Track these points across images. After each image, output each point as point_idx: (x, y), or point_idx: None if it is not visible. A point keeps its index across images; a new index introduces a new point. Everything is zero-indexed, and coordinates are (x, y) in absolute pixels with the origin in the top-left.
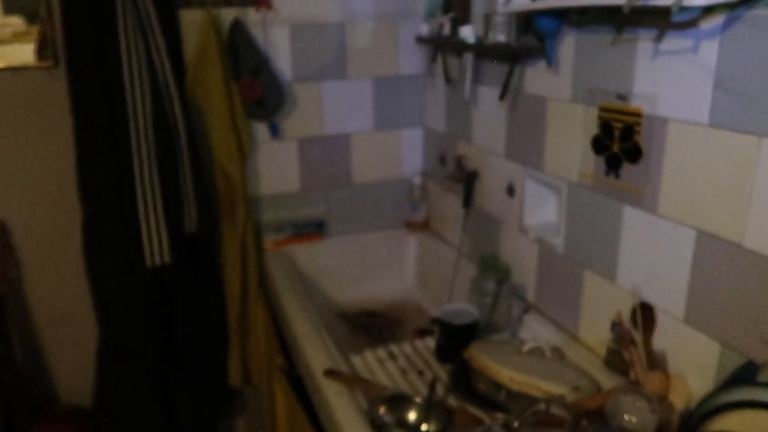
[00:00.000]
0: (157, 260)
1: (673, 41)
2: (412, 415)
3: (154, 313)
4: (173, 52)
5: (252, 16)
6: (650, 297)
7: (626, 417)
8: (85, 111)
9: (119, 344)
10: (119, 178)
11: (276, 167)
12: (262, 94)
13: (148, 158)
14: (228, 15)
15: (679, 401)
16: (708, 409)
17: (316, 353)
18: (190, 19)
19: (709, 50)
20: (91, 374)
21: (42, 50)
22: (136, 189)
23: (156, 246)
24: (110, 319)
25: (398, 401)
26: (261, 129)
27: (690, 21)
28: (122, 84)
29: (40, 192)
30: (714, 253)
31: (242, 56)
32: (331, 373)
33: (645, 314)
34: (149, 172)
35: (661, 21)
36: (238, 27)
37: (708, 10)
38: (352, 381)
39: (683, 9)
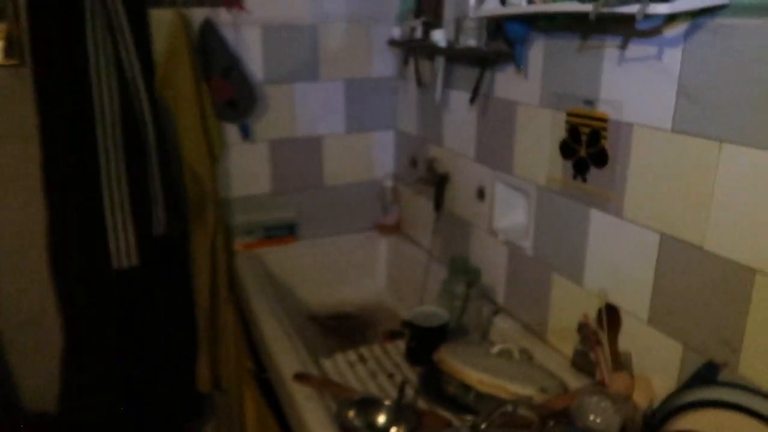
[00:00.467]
0: (125, 263)
1: (638, 48)
2: (381, 418)
3: (120, 317)
4: (142, 52)
5: (223, 17)
6: (616, 299)
7: (591, 417)
8: (51, 110)
9: (85, 349)
10: (86, 179)
11: (247, 169)
12: (233, 96)
13: (116, 159)
14: (199, 15)
15: (642, 401)
16: (670, 409)
17: (286, 356)
18: (160, 19)
19: (673, 57)
20: (56, 379)
21: (9, 48)
22: (103, 190)
23: (123, 248)
24: (75, 323)
25: (368, 404)
26: (232, 130)
27: (654, 29)
28: (89, 83)
29: (5, 193)
30: (677, 255)
31: (213, 57)
32: (300, 377)
33: (611, 316)
34: (117, 173)
35: (627, 28)
36: (208, 27)
37: (671, 19)
38: (322, 384)
39: (647, 17)
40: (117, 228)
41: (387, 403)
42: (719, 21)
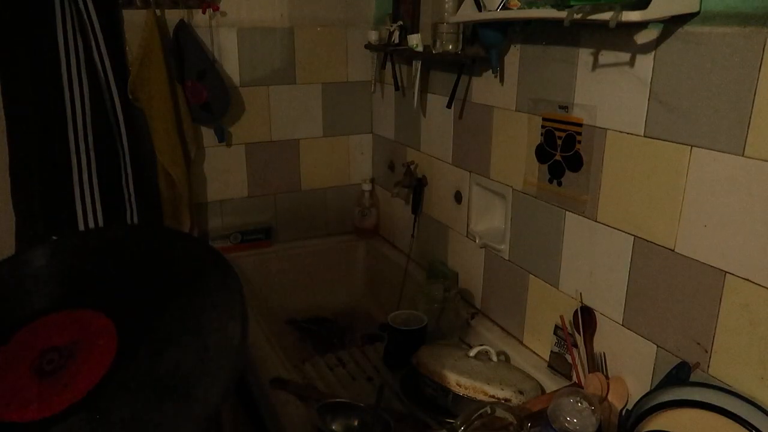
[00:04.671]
0: None
1: (611, 55)
2: (360, 423)
3: None
4: (115, 53)
5: (199, 19)
6: (591, 301)
7: (568, 419)
8: (17, 111)
9: None
10: (55, 183)
11: (223, 172)
12: (207, 99)
13: (87, 161)
14: (173, 16)
15: (618, 402)
16: (644, 409)
17: (264, 362)
18: (133, 20)
19: (645, 64)
20: None
21: None
22: (75, 194)
23: None
24: None
25: (346, 409)
26: (208, 133)
27: (627, 34)
28: (60, 84)
29: None
30: (649, 258)
31: (187, 59)
32: (278, 382)
33: (586, 318)
34: (88, 176)
35: (600, 35)
36: (183, 29)
37: (643, 26)
38: (300, 389)
39: (620, 24)
40: None
41: (365, 406)
42: (689, 29)
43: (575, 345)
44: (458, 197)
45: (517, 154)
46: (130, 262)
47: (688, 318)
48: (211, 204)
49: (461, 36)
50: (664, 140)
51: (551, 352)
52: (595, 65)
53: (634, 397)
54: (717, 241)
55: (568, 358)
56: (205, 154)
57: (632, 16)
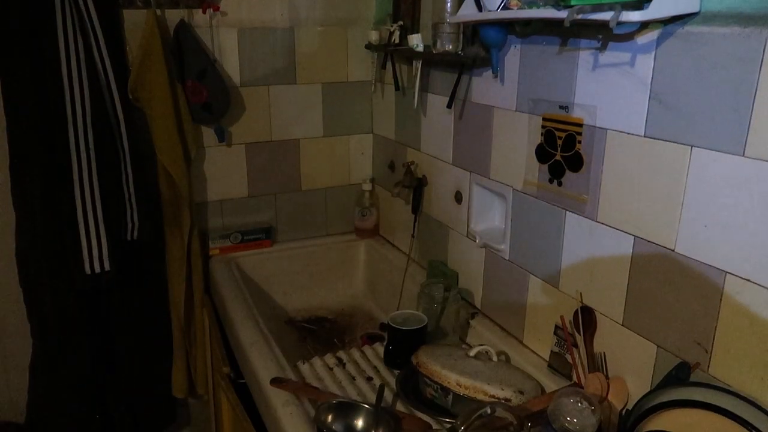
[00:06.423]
0: (97, 268)
1: (612, 54)
2: (360, 422)
3: (92, 324)
4: (115, 53)
5: (199, 19)
6: (591, 301)
7: (568, 419)
8: (18, 110)
9: (54, 357)
10: (56, 182)
11: (223, 172)
12: (207, 99)
13: (88, 161)
14: (174, 16)
15: (618, 402)
16: (644, 409)
17: (263, 361)
18: (134, 20)
19: (645, 64)
20: (25, 388)
21: None
22: (75, 193)
23: (96, 252)
24: (45, 331)
25: (346, 408)
26: (208, 133)
27: (627, 35)
28: (60, 83)
29: None
30: (650, 258)
31: (188, 59)
32: (278, 382)
33: (586, 318)
34: (89, 176)
35: (600, 35)
36: (183, 29)
37: (644, 26)
38: (300, 389)
39: (621, 24)
40: (89, 232)
41: (366, 406)
42: (689, 28)
43: (575, 345)
44: (458, 197)
45: (517, 154)
46: None
47: (688, 318)
48: (211, 204)
49: (461, 36)
50: (664, 140)
51: (551, 352)
52: (595, 65)
53: (634, 397)
54: (717, 241)
55: (568, 358)
56: (205, 154)
57: (632, 16)
